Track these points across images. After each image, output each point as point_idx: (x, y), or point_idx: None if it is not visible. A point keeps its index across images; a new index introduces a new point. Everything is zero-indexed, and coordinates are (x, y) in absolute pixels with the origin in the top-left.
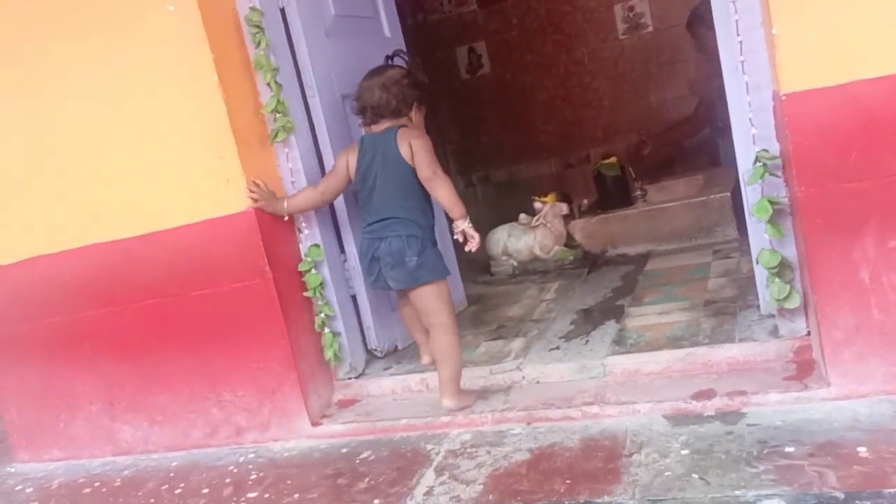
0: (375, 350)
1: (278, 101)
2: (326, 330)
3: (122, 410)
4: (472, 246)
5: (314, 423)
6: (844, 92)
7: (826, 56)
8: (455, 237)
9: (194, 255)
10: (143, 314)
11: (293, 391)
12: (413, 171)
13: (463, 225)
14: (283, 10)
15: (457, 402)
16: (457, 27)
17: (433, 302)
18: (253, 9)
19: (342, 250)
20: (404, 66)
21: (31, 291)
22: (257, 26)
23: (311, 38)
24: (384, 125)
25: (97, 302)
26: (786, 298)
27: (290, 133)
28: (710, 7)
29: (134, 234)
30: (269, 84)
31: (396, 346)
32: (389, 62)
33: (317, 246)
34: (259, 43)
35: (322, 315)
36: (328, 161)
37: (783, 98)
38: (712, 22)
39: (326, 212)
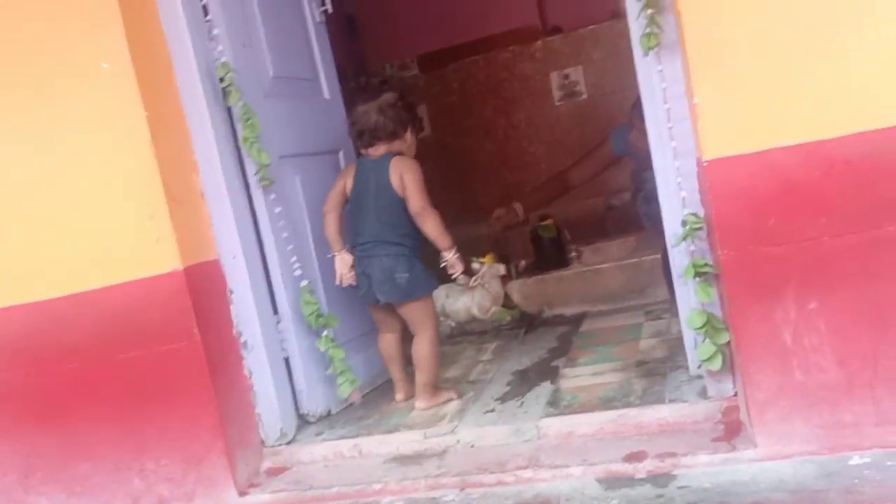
0: (308, 414)
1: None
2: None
3: (38, 482)
4: (456, 272)
5: (241, 493)
6: (762, 158)
7: (745, 124)
8: (442, 265)
9: (121, 317)
10: (66, 377)
11: (220, 459)
12: (402, 200)
13: (448, 256)
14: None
15: (428, 403)
16: (398, 90)
17: (420, 315)
18: (223, 63)
19: (275, 311)
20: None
21: None
22: (229, 83)
23: (248, 99)
24: (381, 149)
25: (17, 364)
26: (709, 359)
27: (272, 182)
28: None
29: (59, 294)
30: (246, 137)
31: (330, 411)
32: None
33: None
34: (231, 96)
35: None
36: (262, 222)
37: (705, 164)
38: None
39: (259, 274)
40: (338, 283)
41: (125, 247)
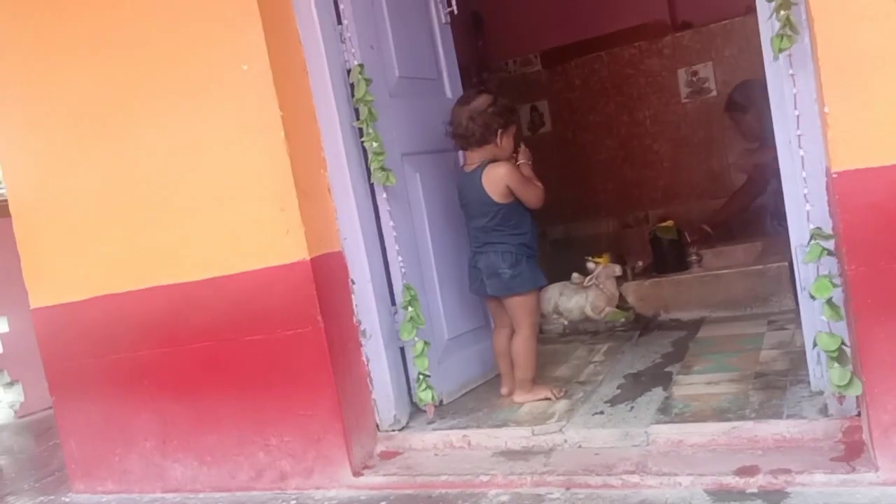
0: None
1: (381, 150)
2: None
3: (174, 449)
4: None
5: (356, 474)
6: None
7: (877, 135)
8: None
9: (250, 302)
10: (199, 356)
11: (337, 440)
12: (502, 206)
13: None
14: (348, 72)
15: (525, 397)
16: (520, 86)
17: (520, 310)
18: (359, 64)
19: (393, 302)
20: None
21: (97, 328)
22: (367, 80)
23: (375, 99)
24: (473, 156)
25: (156, 342)
26: (846, 385)
27: (393, 181)
28: (744, 91)
29: (195, 278)
30: (370, 132)
31: (442, 401)
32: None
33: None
34: (365, 98)
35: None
36: (384, 217)
37: (834, 176)
38: (746, 104)
39: (379, 267)
40: None
41: (257, 237)
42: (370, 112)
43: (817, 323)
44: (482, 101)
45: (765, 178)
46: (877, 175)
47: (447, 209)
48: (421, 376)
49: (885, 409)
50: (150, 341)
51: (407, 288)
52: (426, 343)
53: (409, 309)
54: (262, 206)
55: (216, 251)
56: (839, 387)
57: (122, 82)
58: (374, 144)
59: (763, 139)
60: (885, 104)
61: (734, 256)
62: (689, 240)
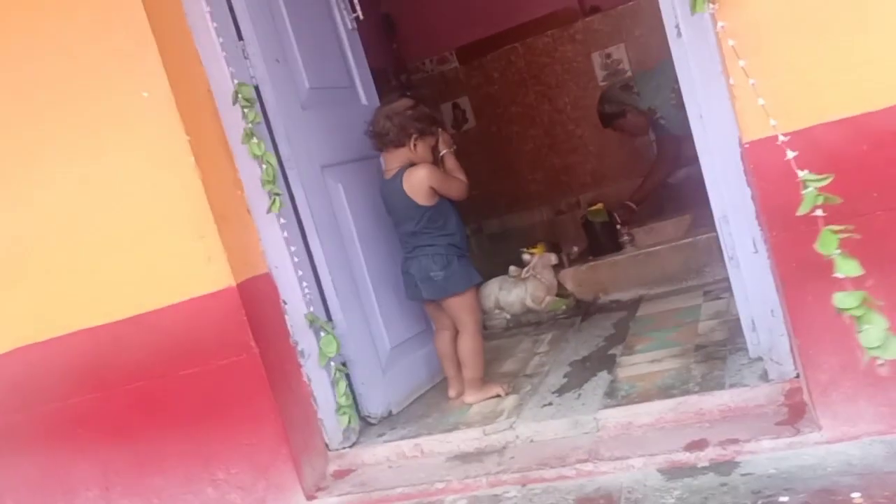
0: (369, 416)
1: (274, 170)
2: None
3: (119, 495)
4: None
5: (309, 497)
6: (805, 136)
7: (784, 103)
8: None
9: (179, 335)
10: (133, 397)
11: (286, 466)
12: (426, 208)
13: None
14: (257, 88)
15: (476, 397)
16: (439, 84)
17: (459, 311)
18: (242, 83)
19: (329, 318)
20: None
21: (24, 380)
22: (247, 99)
23: (286, 113)
24: (391, 159)
25: (87, 387)
26: (880, 347)
27: (283, 205)
28: (610, 100)
29: (119, 317)
30: (261, 156)
31: (391, 412)
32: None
33: (312, 313)
34: (248, 117)
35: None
36: (310, 231)
37: (746, 146)
38: (619, 109)
39: (311, 283)
40: None
41: (179, 268)
42: (249, 133)
43: (747, 291)
44: (401, 103)
45: (674, 151)
46: (787, 141)
47: (375, 216)
48: (341, 399)
49: (821, 368)
50: (80, 388)
51: (310, 320)
52: (340, 368)
53: (322, 334)
54: (180, 235)
55: (138, 288)
56: (873, 349)
57: (17, 127)
58: (264, 167)
59: (656, 128)
60: (787, 70)
61: (665, 232)
62: (619, 220)
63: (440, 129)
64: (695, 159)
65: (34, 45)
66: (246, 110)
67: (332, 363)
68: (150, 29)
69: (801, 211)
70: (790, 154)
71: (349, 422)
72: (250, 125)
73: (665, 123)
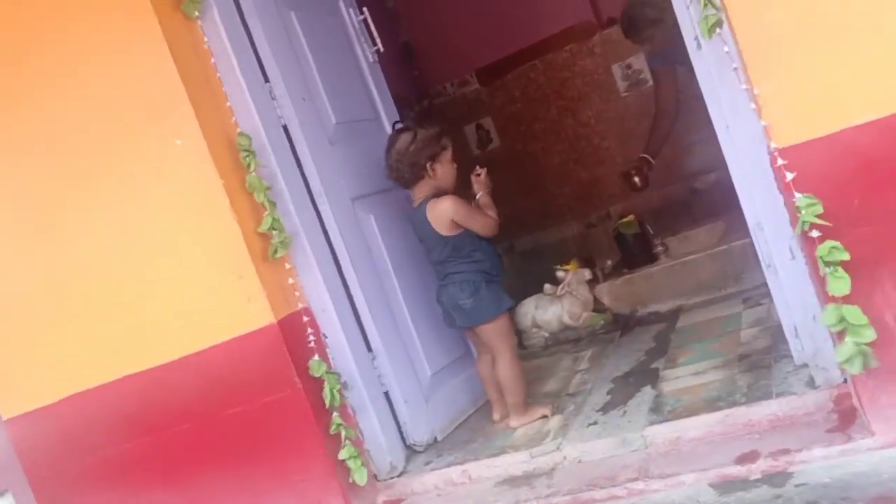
0: (415, 445)
1: (273, 218)
2: (346, 444)
3: None
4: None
5: None
6: (835, 141)
7: (810, 108)
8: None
9: (224, 375)
10: (182, 439)
11: (336, 499)
12: (452, 238)
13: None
14: (285, 127)
15: (521, 421)
16: (462, 107)
17: (492, 337)
18: (241, 134)
19: (369, 348)
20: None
21: (74, 428)
22: (247, 150)
23: (314, 149)
24: (418, 191)
25: (136, 432)
26: (848, 361)
27: (287, 247)
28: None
29: (164, 360)
30: (262, 203)
31: (436, 438)
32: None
33: (319, 361)
34: (249, 165)
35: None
36: (345, 264)
37: (776, 153)
38: (662, 13)
39: (349, 315)
40: None
41: (219, 308)
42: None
43: (787, 298)
44: (402, 141)
45: (673, 87)
46: (817, 146)
47: (408, 244)
48: (348, 448)
49: (868, 372)
50: (129, 433)
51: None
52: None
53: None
54: (219, 277)
55: (181, 330)
56: (843, 362)
57: (58, 176)
58: (270, 219)
59: (665, 58)
60: (810, 76)
61: (698, 240)
62: (636, 175)
63: (477, 170)
64: (712, 135)
65: (68, 94)
66: (247, 158)
67: (375, 393)
68: (180, 76)
69: (797, 232)
70: (816, 160)
71: (363, 467)
72: (253, 174)
73: (668, 52)
